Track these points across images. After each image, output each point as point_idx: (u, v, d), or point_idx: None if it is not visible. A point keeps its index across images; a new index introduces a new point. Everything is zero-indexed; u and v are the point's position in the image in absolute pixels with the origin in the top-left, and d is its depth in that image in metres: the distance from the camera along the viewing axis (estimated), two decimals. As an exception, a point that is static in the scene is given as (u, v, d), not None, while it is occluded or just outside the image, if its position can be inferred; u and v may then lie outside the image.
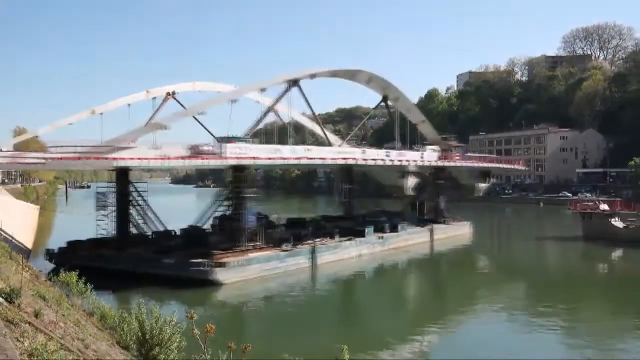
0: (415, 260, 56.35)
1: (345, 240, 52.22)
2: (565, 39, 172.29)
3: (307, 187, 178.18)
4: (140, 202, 50.88)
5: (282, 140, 55.65)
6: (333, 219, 62.96)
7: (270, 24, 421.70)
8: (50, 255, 44.84)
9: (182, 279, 36.68)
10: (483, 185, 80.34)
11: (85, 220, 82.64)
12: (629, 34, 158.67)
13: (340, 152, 56.59)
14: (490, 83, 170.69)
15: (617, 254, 57.71)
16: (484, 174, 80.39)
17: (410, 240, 60.94)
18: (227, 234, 46.11)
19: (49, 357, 6.06)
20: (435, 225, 66.92)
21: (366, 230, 55.45)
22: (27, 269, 16.00)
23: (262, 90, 54.32)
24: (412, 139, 69.67)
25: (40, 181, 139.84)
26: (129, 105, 49.99)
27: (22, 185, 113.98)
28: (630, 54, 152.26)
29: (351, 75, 62.34)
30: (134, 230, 50.37)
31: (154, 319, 11.25)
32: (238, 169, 45.53)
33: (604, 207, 67.63)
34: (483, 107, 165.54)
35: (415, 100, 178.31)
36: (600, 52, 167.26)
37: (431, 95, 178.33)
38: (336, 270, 47.60)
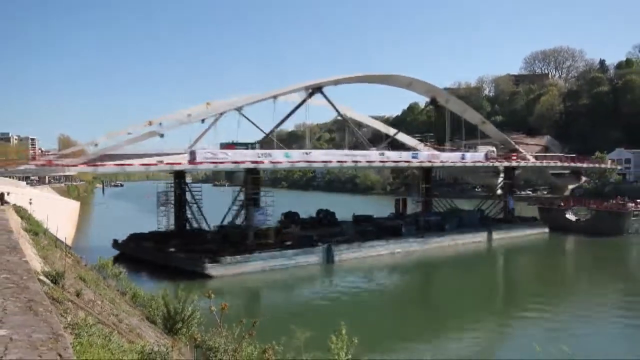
0: (449, 258, 48.33)
1: (374, 238, 46.82)
2: (526, 60, 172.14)
3: (307, 185, 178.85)
4: (193, 201, 49.71)
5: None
6: (405, 217, 57.30)
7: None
8: (115, 244, 46.17)
9: (186, 271, 36.96)
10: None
11: (118, 215, 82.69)
12: (580, 56, 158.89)
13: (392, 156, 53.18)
14: (462, 98, 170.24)
15: (572, 240, 59.04)
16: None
17: (460, 240, 52.68)
18: (239, 233, 43.75)
19: (88, 330, 6.05)
20: (503, 225, 58.84)
21: (403, 229, 49.88)
22: (70, 255, 15.98)
23: (275, 97, 46.50)
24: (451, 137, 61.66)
25: (80, 180, 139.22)
26: (189, 115, 44.29)
27: (65, 184, 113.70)
28: (581, 73, 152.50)
29: (384, 79, 55.79)
30: (194, 225, 49.35)
31: (177, 299, 11.29)
32: (251, 172, 42.93)
33: (560, 202, 68.06)
34: (456, 118, 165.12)
35: (398, 112, 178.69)
36: (556, 71, 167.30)
37: (412, 108, 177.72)
38: (351, 267, 42.75)
